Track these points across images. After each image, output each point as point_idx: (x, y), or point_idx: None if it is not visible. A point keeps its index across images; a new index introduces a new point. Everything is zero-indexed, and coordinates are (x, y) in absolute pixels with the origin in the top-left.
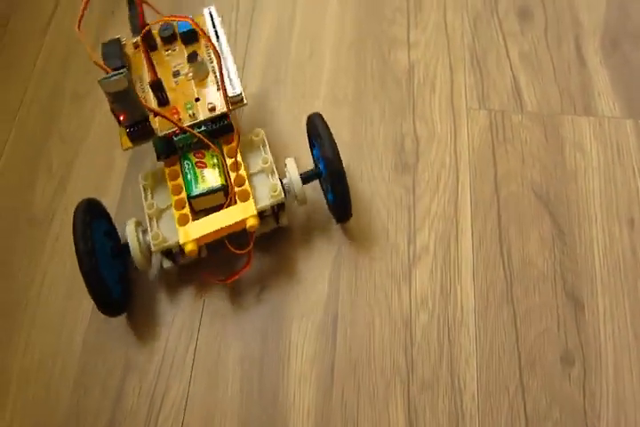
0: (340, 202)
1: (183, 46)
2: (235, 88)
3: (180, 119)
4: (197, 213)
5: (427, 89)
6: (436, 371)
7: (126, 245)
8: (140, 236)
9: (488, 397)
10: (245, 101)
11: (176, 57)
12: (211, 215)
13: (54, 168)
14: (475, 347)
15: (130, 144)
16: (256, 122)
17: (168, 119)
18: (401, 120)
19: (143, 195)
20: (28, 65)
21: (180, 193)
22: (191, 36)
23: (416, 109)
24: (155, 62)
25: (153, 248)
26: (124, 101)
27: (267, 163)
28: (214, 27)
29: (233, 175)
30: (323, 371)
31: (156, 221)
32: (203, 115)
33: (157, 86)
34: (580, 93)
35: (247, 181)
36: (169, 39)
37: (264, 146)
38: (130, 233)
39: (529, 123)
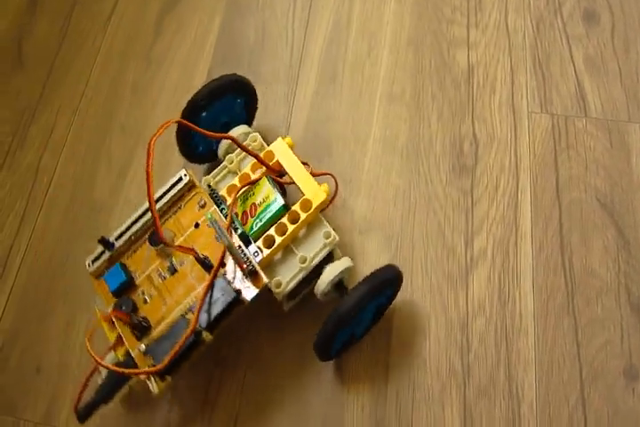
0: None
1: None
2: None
3: None
4: None
5: (486, 90)
6: (494, 377)
7: None
8: None
9: (547, 406)
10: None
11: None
12: None
13: (114, 159)
14: (534, 355)
15: None
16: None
17: None
18: (460, 121)
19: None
20: (89, 58)
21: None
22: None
23: (475, 111)
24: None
25: None
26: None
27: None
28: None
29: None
30: (377, 370)
31: None
32: None
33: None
34: None
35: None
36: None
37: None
38: None
39: (593, 129)
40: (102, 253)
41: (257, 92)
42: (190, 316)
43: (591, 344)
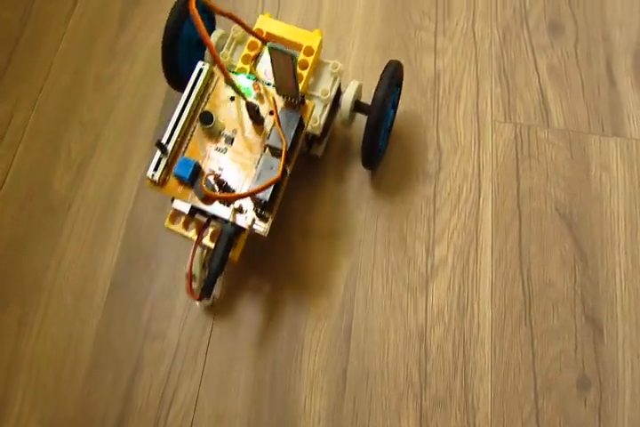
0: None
1: None
2: None
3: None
4: None
5: (452, 98)
6: (450, 387)
7: None
8: None
9: (501, 417)
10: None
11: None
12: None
13: (73, 154)
14: (490, 365)
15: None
16: None
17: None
18: (424, 131)
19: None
20: (50, 49)
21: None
22: None
23: (440, 118)
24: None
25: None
26: (283, 74)
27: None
28: None
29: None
30: (335, 378)
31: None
32: None
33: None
34: (608, 113)
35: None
36: None
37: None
38: None
39: (555, 139)
40: (159, 161)
41: None
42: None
43: (546, 354)
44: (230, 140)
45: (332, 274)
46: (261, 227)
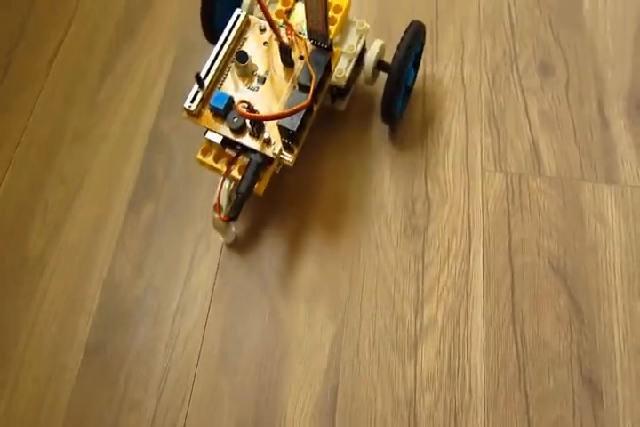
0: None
1: None
2: None
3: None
4: None
5: (440, 146)
6: None
7: None
8: None
9: None
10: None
11: None
12: None
13: (51, 211)
14: None
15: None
16: None
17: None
18: (412, 179)
19: None
20: (28, 105)
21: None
22: None
23: (429, 167)
24: None
25: None
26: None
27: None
28: None
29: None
30: None
31: None
32: None
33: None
34: (601, 159)
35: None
36: None
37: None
38: None
39: (547, 188)
40: (196, 94)
41: None
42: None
43: (542, 421)
44: (262, 80)
45: (318, 338)
46: (288, 157)
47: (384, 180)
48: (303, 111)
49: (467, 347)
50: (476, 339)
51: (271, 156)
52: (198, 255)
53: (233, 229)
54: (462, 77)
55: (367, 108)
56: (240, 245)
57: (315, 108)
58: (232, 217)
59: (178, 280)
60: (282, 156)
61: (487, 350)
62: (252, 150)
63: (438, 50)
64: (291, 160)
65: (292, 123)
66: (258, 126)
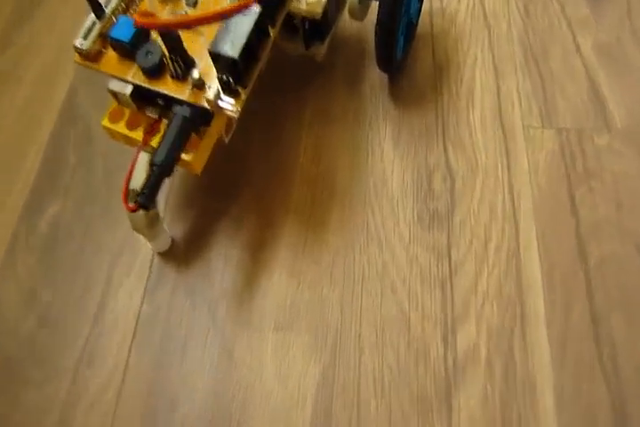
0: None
1: None
2: None
3: None
4: None
5: (461, 99)
6: None
7: None
8: None
9: None
10: None
11: None
12: None
13: None
14: None
15: None
16: None
17: None
18: (425, 147)
19: None
20: None
21: None
22: None
23: (447, 131)
24: None
25: None
26: None
27: None
28: None
29: None
30: None
31: None
32: None
33: None
34: None
35: None
36: None
37: None
38: None
39: (620, 146)
40: (92, 26)
41: None
42: None
43: None
44: (193, 3)
45: (295, 388)
46: (230, 103)
47: (384, 150)
48: (247, 30)
49: (528, 389)
50: (542, 376)
51: (204, 105)
52: (117, 273)
53: (166, 229)
54: (484, 11)
55: (355, 54)
56: (177, 255)
57: (271, 32)
58: (142, 203)
59: (86, 312)
60: (220, 102)
61: (562, 392)
62: (177, 100)
63: None
64: (234, 109)
65: (233, 46)
66: (183, 61)
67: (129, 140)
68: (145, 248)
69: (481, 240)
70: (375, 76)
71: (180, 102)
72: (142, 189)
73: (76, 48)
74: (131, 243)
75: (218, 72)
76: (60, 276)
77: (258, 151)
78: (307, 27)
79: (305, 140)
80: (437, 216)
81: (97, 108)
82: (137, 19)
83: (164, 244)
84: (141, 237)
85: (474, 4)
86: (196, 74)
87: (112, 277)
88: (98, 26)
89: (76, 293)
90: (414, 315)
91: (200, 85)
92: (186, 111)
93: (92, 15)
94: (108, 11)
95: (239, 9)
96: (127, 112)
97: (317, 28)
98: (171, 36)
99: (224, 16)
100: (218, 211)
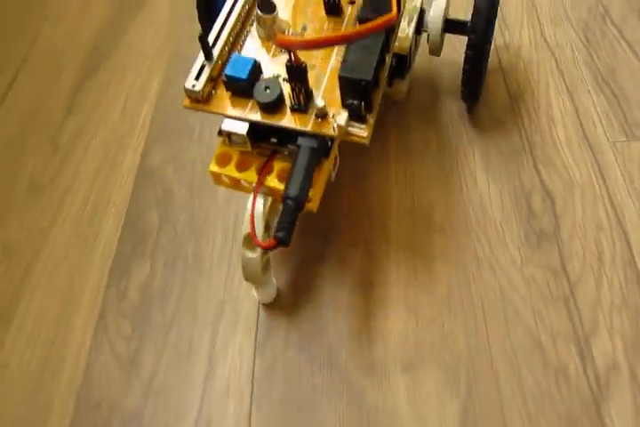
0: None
1: None
2: None
3: None
4: None
5: (542, 121)
6: None
7: None
8: None
9: None
10: None
11: None
12: None
13: None
14: None
15: None
16: None
17: None
18: (517, 169)
19: None
20: None
21: None
22: None
23: (535, 151)
24: None
25: None
26: None
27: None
28: None
29: None
30: None
31: None
32: None
33: None
34: None
35: None
36: None
37: None
38: None
39: None
40: (201, 69)
41: None
42: None
43: None
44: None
45: (436, 421)
46: (360, 129)
47: (477, 177)
48: (377, 52)
49: None
50: None
51: (331, 133)
52: (222, 332)
53: (273, 279)
54: (546, 42)
55: (425, 88)
56: (285, 304)
57: (387, 58)
58: (281, 238)
59: (194, 377)
60: (351, 129)
61: None
62: (300, 133)
63: (504, 15)
64: (365, 135)
65: (365, 70)
66: (304, 92)
67: (237, 184)
68: (247, 303)
69: (593, 253)
70: (451, 108)
71: (302, 134)
72: (278, 225)
73: (187, 91)
74: (231, 298)
75: (346, 98)
76: (159, 341)
77: (348, 188)
78: (393, 63)
79: (394, 172)
80: (545, 235)
81: (171, 163)
82: (278, 37)
83: (272, 292)
84: (242, 291)
85: (535, 37)
86: (320, 102)
87: (216, 335)
88: (208, 67)
89: (179, 359)
90: (544, 335)
91: (323, 115)
92: (312, 143)
93: (201, 56)
94: (215, 52)
95: (386, 24)
96: (235, 154)
97: (400, 63)
98: (299, 66)
99: (370, 31)
100: (319, 254)
